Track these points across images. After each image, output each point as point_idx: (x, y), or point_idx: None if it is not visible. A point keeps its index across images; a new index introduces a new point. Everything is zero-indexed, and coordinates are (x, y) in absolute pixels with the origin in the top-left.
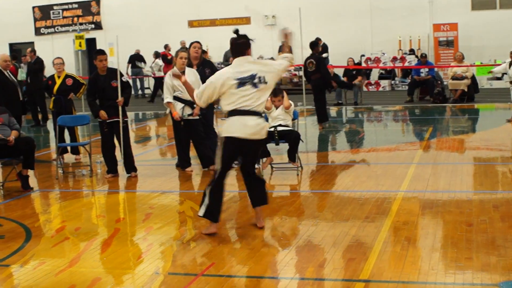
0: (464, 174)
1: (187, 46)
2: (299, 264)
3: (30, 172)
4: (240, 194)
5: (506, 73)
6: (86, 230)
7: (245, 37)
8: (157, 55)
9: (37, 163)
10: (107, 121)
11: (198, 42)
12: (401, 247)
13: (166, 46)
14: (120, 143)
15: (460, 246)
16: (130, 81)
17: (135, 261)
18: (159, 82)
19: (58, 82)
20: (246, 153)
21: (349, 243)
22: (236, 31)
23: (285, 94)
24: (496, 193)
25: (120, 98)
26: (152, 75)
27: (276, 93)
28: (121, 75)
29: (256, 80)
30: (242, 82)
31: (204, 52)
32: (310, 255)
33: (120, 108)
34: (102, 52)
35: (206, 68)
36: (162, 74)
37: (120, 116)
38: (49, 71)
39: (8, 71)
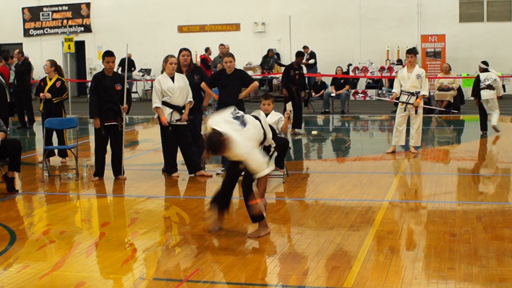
0: (449, 185)
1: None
2: (283, 271)
3: (16, 175)
4: None
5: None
6: (71, 233)
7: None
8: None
9: (22, 165)
10: (105, 124)
11: (187, 49)
12: (385, 256)
13: (207, 50)
14: (114, 147)
15: (443, 256)
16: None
17: (119, 266)
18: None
19: (49, 84)
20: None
21: (333, 251)
22: None
23: (286, 116)
24: (480, 204)
25: (125, 105)
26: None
27: (267, 96)
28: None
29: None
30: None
31: None
32: (294, 262)
33: (123, 112)
34: (110, 54)
35: (195, 75)
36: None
37: (124, 122)
38: (36, 73)
39: None
